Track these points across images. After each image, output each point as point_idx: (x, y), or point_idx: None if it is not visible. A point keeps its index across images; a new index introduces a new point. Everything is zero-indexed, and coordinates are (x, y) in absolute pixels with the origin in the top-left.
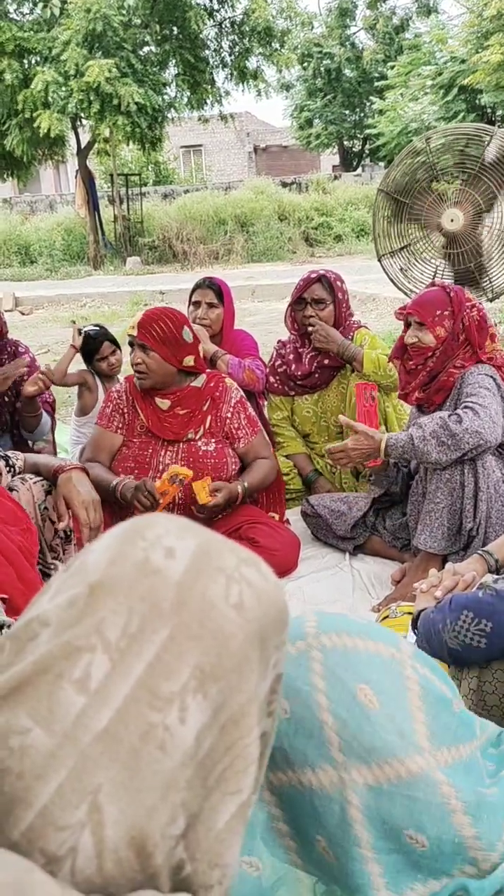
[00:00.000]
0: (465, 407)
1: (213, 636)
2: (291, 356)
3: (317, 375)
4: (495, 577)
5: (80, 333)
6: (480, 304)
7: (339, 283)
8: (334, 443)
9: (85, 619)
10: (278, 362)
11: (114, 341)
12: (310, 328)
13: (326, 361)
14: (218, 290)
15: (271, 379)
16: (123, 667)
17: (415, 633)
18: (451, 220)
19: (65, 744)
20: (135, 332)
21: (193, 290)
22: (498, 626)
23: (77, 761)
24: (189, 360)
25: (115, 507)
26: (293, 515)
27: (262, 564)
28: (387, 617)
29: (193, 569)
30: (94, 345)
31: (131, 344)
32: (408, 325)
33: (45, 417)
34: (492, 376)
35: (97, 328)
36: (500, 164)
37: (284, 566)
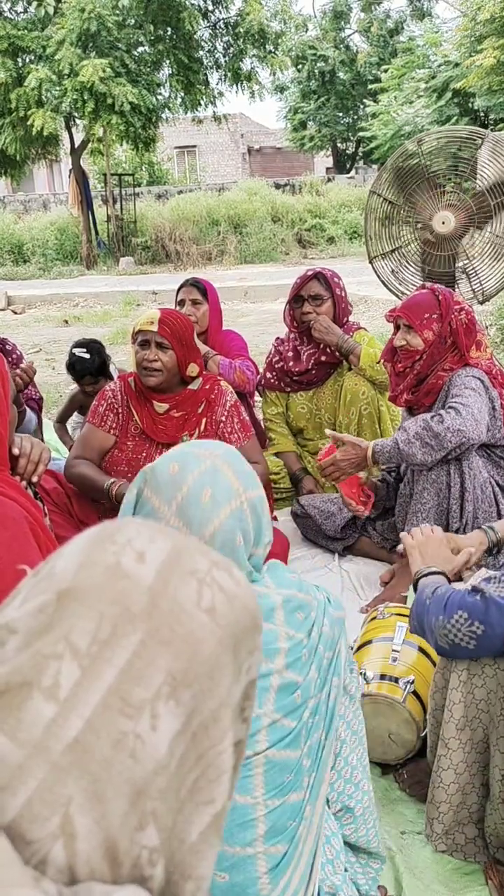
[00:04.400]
0: (449, 407)
1: (184, 641)
2: (290, 353)
3: (313, 372)
4: (487, 571)
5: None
6: (469, 306)
7: (336, 279)
8: (326, 440)
9: (54, 627)
10: (276, 358)
11: (101, 368)
12: (311, 321)
13: (324, 358)
14: (202, 289)
15: (267, 374)
16: (94, 674)
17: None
18: (443, 223)
19: (34, 755)
20: (154, 328)
21: (178, 290)
22: (490, 630)
23: (47, 772)
24: (193, 370)
25: (105, 507)
26: (283, 516)
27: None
28: (374, 618)
29: (165, 573)
30: (76, 374)
31: (143, 342)
32: (397, 328)
33: (30, 415)
34: (479, 378)
35: (85, 353)
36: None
37: None
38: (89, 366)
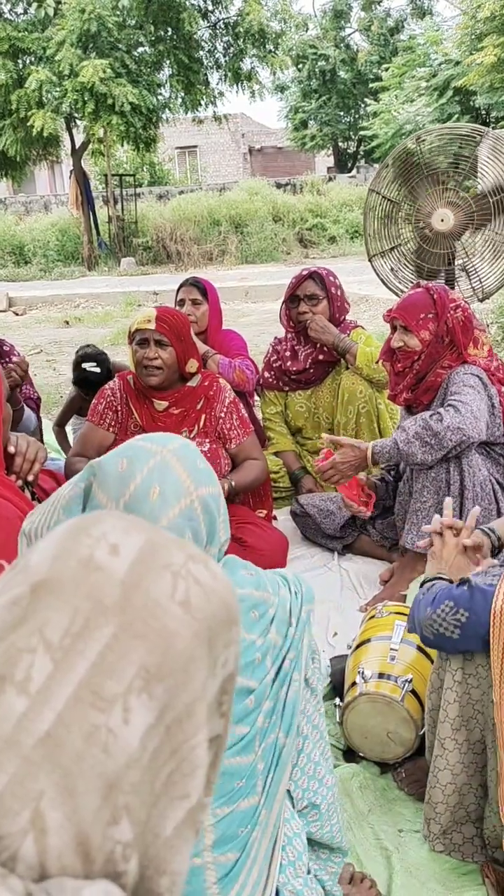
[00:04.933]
0: (448, 405)
1: (158, 634)
2: (288, 353)
3: (311, 371)
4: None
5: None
6: (466, 304)
7: (331, 278)
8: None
9: (28, 620)
10: (273, 357)
11: (107, 376)
12: (307, 320)
13: (321, 357)
14: (202, 289)
15: (266, 374)
16: (66, 667)
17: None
18: (442, 220)
19: (5, 749)
20: (151, 326)
21: (178, 290)
22: (474, 617)
23: (18, 767)
24: (192, 365)
25: None
26: (283, 515)
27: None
28: (373, 616)
29: (139, 566)
30: (87, 388)
31: (142, 340)
32: (395, 328)
33: (29, 413)
34: (477, 375)
35: (96, 368)
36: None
37: (272, 566)
38: (101, 379)
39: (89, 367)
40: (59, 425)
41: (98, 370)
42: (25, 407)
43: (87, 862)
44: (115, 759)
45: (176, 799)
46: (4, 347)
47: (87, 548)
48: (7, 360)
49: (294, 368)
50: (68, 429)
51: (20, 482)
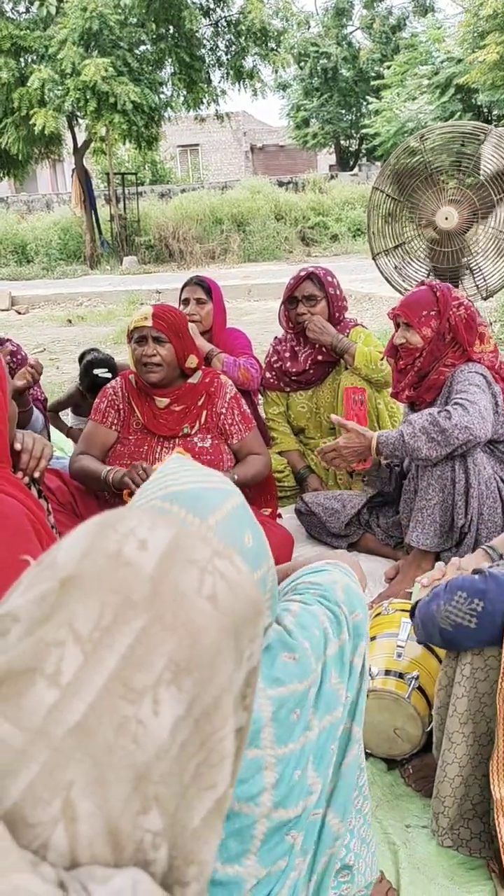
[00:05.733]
0: (455, 403)
1: (186, 628)
2: (287, 354)
3: (311, 372)
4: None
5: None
6: (470, 302)
7: (329, 278)
8: (328, 439)
9: (56, 614)
10: (274, 358)
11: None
12: (305, 321)
13: (321, 358)
14: (206, 288)
15: (267, 374)
16: (96, 659)
17: (412, 621)
18: (446, 219)
19: (36, 739)
20: (148, 323)
21: (182, 289)
22: (489, 605)
23: (49, 757)
24: (192, 361)
25: (105, 499)
26: (287, 513)
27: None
28: (379, 614)
29: (166, 561)
30: (98, 391)
31: (140, 338)
32: (398, 326)
33: (37, 414)
34: (482, 374)
35: (108, 373)
36: (502, 176)
37: (277, 562)
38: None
39: (101, 373)
40: (53, 411)
41: (109, 375)
42: (34, 408)
43: (117, 850)
44: (146, 750)
45: (204, 789)
46: (20, 354)
47: (115, 543)
48: (13, 359)
49: (294, 369)
50: (70, 423)
51: (27, 479)
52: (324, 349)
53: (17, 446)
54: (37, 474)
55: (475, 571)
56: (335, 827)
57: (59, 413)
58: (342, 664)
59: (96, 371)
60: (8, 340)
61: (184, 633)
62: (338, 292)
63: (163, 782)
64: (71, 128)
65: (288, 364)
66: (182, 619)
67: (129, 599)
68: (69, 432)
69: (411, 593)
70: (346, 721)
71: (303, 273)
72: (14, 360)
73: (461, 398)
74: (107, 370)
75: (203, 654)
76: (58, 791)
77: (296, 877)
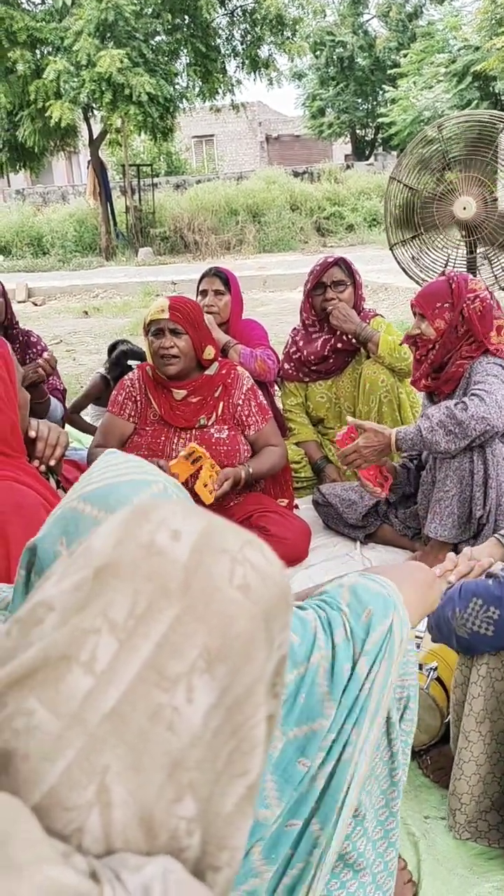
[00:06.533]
0: (472, 394)
1: (218, 617)
2: (301, 341)
3: (331, 361)
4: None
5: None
6: (488, 293)
7: (353, 266)
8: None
9: (91, 603)
10: (293, 349)
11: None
12: (330, 308)
13: (340, 345)
14: (225, 279)
15: (286, 365)
16: (130, 647)
17: (427, 621)
18: (464, 209)
19: (72, 725)
20: (165, 316)
21: (200, 280)
22: None
23: (85, 742)
24: (209, 352)
25: None
26: (304, 504)
27: (264, 547)
28: None
29: (198, 550)
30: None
31: (157, 331)
32: (416, 315)
33: (55, 403)
34: (501, 365)
35: (139, 362)
36: None
37: (295, 555)
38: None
39: (134, 364)
40: (74, 412)
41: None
42: (52, 398)
43: (151, 836)
44: (180, 737)
45: (236, 776)
46: (32, 338)
47: (148, 532)
48: (33, 349)
49: (312, 357)
50: (88, 418)
51: (43, 467)
52: (343, 337)
53: (32, 434)
54: (52, 462)
55: (488, 576)
56: (315, 835)
57: (78, 409)
58: (331, 672)
59: (130, 362)
60: (29, 331)
61: (216, 622)
62: (361, 281)
63: (197, 769)
64: (86, 119)
65: (305, 352)
66: (215, 608)
67: (163, 588)
68: (90, 429)
69: None
70: (333, 732)
71: (330, 259)
72: (34, 350)
73: (478, 389)
74: (139, 362)
75: (235, 643)
76: (93, 775)
77: (257, 883)
